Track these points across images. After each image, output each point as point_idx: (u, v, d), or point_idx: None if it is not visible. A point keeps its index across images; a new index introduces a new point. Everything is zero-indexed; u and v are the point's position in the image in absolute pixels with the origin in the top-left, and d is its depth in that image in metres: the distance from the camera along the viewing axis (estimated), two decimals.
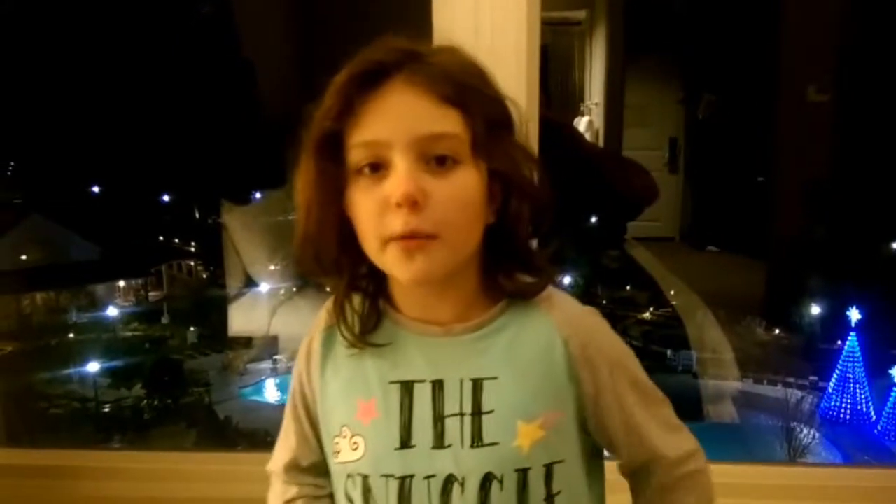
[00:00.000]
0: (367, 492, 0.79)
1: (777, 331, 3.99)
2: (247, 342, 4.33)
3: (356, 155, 0.74)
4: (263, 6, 4.10)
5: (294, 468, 0.89)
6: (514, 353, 0.79)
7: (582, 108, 4.85)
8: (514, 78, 1.08)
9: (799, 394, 3.38)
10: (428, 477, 0.77)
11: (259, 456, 1.35)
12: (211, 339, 4.33)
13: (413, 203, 0.70)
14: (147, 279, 4.51)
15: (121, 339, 4.08)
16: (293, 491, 0.89)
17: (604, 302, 4.22)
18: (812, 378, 3.56)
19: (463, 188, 0.74)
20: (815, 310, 3.83)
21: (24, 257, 4.01)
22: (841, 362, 3.34)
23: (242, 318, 4.05)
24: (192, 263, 4.69)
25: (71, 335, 4.00)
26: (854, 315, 3.29)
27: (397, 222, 0.71)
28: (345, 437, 0.80)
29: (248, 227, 3.98)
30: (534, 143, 1.12)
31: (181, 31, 4.00)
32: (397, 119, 0.72)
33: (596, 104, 4.81)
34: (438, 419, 0.78)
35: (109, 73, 3.86)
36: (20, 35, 3.45)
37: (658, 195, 2.71)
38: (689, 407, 3.54)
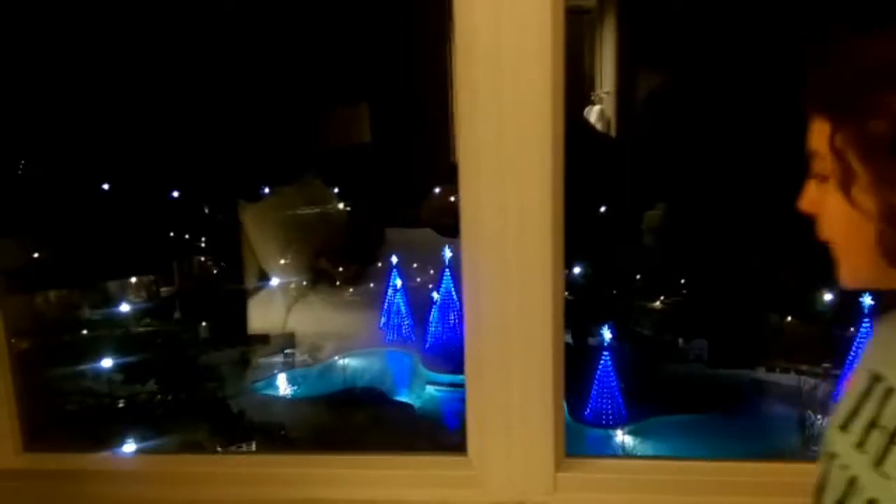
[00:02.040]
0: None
1: (789, 318, 3.97)
2: (259, 337, 4.36)
3: None
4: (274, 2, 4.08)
5: None
6: None
7: (593, 97, 4.81)
8: (540, 76, 1.07)
9: (812, 381, 3.37)
10: (842, 467, 0.78)
11: (280, 458, 1.35)
12: (223, 334, 4.36)
13: (810, 214, 0.76)
14: (158, 275, 4.53)
15: (133, 336, 4.10)
16: None
17: (614, 292, 4.21)
18: (825, 365, 3.54)
19: (832, 205, 0.75)
20: (828, 296, 3.80)
21: (36, 255, 4.04)
22: (855, 348, 3.33)
23: (260, 315, 4.07)
24: (203, 259, 4.71)
25: (84, 332, 4.02)
26: (868, 300, 3.27)
27: None
28: None
29: (261, 224, 4.00)
30: (560, 141, 1.11)
31: (188, 25, 3.99)
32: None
33: (607, 93, 4.75)
34: (872, 423, 0.77)
35: (119, 71, 3.86)
36: (25, 31, 3.45)
37: None
38: (701, 396, 3.54)
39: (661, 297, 4.23)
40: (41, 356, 3.62)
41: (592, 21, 4.84)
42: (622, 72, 4.63)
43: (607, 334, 3.36)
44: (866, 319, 3.27)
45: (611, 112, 4.62)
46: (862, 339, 3.28)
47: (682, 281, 4.25)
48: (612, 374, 3.35)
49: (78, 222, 4.25)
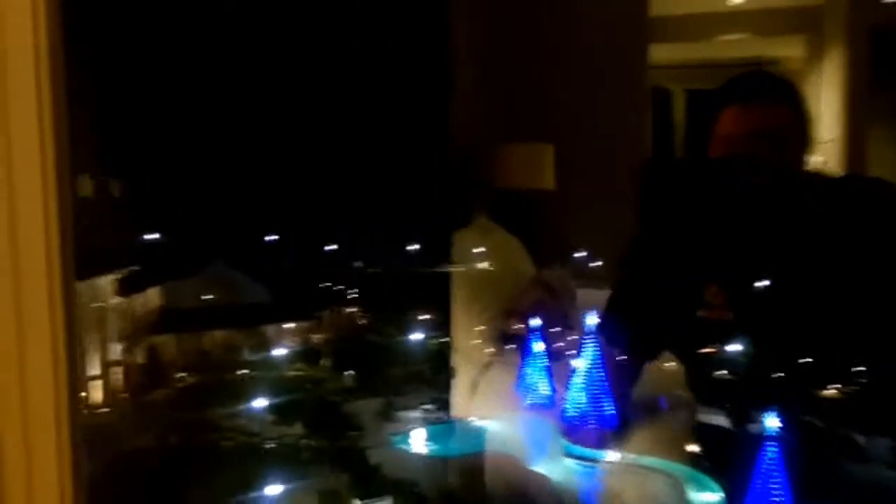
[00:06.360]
0: None
1: None
2: (402, 388, 4.39)
3: None
4: None
5: None
6: None
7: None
8: None
9: None
10: None
11: None
12: (366, 384, 4.44)
13: None
14: (311, 322, 4.74)
15: (286, 379, 4.28)
16: None
17: (781, 375, 3.82)
18: None
19: None
20: None
21: (206, 297, 4.38)
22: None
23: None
24: (353, 310, 4.88)
25: (242, 372, 4.26)
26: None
27: None
28: None
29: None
30: None
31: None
32: None
33: (830, 141, 4.23)
34: None
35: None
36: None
37: None
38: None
39: (837, 384, 3.79)
40: (203, 392, 3.85)
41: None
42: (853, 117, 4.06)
43: (773, 422, 3.03)
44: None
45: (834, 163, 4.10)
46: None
47: (862, 367, 3.79)
48: (778, 467, 3.00)
49: (243, 268, 4.58)
